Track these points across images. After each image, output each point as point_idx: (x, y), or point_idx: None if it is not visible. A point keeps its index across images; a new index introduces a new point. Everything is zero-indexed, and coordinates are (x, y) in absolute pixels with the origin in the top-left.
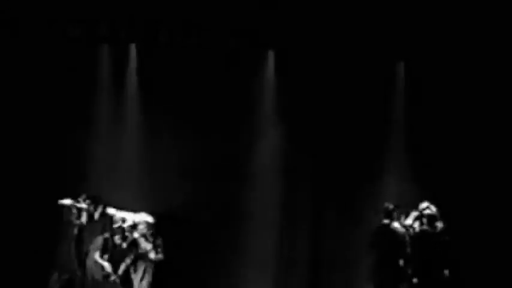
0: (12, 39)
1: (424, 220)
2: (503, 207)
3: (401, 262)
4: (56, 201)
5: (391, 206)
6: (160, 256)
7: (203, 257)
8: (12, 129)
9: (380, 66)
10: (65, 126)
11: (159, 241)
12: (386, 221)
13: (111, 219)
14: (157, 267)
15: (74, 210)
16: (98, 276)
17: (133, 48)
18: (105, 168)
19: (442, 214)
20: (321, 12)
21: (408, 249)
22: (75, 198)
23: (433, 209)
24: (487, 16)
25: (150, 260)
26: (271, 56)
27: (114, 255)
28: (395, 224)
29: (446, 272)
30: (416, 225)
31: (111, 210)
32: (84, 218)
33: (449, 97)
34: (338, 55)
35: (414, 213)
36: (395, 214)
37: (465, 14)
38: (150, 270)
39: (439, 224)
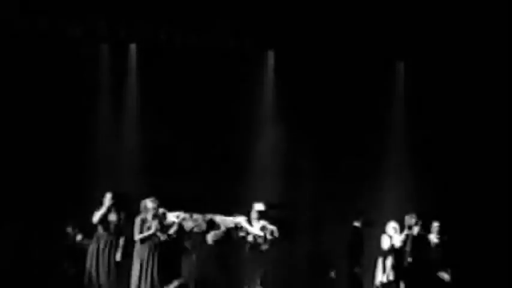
0: (12, 39)
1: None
2: (503, 209)
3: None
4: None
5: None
6: None
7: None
8: (12, 129)
9: (380, 66)
10: (65, 126)
11: None
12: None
13: None
14: None
15: None
16: None
17: (133, 48)
18: (105, 167)
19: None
20: (320, 12)
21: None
22: None
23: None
24: (487, 16)
25: None
26: (271, 56)
27: None
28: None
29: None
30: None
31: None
32: None
33: (449, 97)
34: (338, 55)
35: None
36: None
37: (465, 14)
38: None
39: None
